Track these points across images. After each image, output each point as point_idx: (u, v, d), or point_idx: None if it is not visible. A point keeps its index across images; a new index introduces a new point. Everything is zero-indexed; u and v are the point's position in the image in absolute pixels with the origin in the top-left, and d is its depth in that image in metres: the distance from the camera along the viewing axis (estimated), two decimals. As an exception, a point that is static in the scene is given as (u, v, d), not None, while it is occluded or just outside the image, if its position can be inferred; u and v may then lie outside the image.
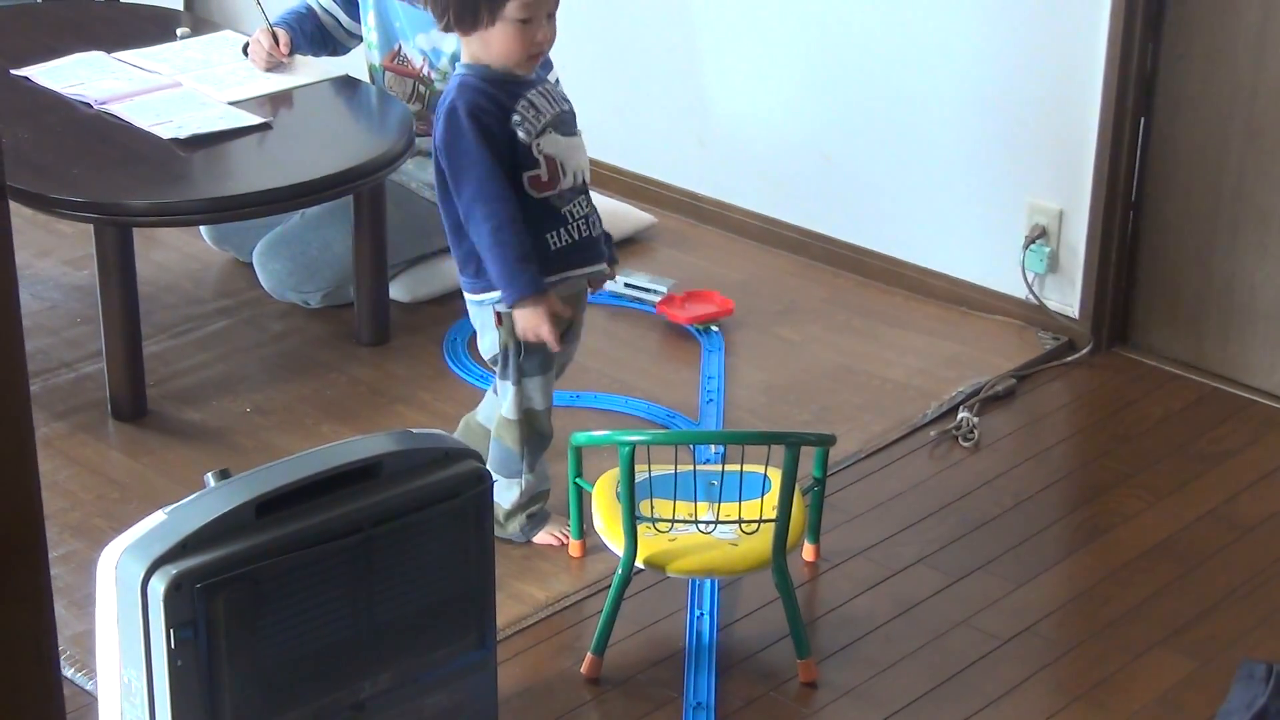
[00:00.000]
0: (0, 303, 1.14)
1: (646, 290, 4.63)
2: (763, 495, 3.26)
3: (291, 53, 4.55)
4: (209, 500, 2.64)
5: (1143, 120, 4.31)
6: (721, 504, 3.25)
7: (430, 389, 4.22)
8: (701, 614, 3.40)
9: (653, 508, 3.20)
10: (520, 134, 3.30)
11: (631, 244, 4.97)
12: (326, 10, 4.63)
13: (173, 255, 4.84)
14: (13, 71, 4.51)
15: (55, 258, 4.81)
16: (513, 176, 3.31)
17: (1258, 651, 3.31)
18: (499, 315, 3.39)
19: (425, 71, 4.55)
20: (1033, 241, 4.46)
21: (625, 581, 3.18)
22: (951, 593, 3.50)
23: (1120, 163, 4.31)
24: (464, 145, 3.28)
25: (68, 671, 3.22)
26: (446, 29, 3.34)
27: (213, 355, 4.36)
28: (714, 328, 4.50)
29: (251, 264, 4.60)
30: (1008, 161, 4.48)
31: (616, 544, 3.21)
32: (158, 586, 2.54)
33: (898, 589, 3.51)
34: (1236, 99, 4.15)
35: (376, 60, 4.60)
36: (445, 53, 4.48)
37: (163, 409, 4.10)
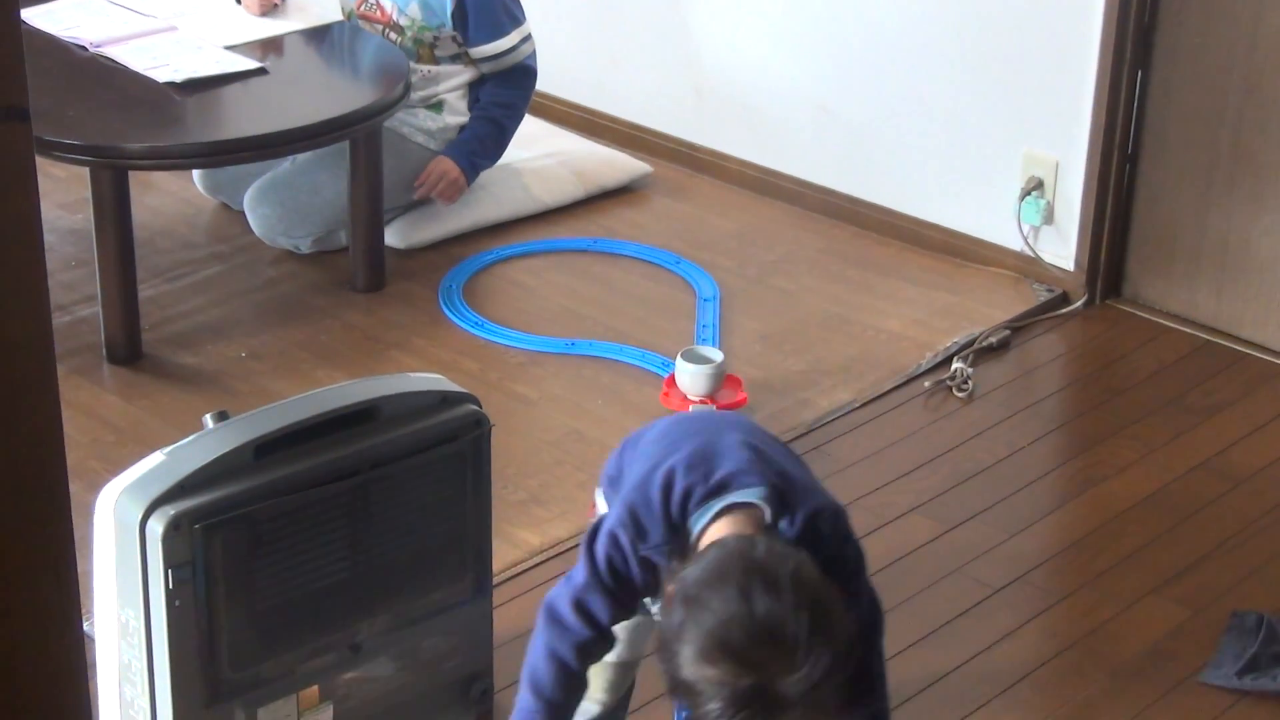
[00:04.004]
0: (24, 235, 1.15)
1: None
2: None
3: (285, -2, 4.55)
4: (207, 441, 2.64)
5: (1140, 72, 4.31)
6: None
7: (426, 335, 4.22)
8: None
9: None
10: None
11: (626, 193, 4.97)
12: None
13: (168, 200, 4.83)
14: (8, 14, 4.49)
15: (50, 201, 4.79)
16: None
17: (1249, 601, 3.33)
18: None
19: (394, 18, 4.54)
20: (1028, 193, 4.46)
21: None
22: (945, 541, 3.51)
23: (1117, 115, 4.31)
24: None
25: (64, 613, 3.22)
26: None
27: (208, 300, 4.36)
28: (709, 282, 4.50)
29: (244, 212, 4.59)
30: (1004, 113, 4.48)
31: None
32: (156, 527, 2.55)
33: (891, 538, 3.52)
34: (1235, 52, 4.15)
35: (350, 5, 4.61)
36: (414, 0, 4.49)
37: (158, 353, 4.10)
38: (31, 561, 1.15)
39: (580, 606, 2.45)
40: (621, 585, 2.45)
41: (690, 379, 3.87)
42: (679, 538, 2.41)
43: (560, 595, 2.49)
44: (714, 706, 2.16)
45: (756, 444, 2.50)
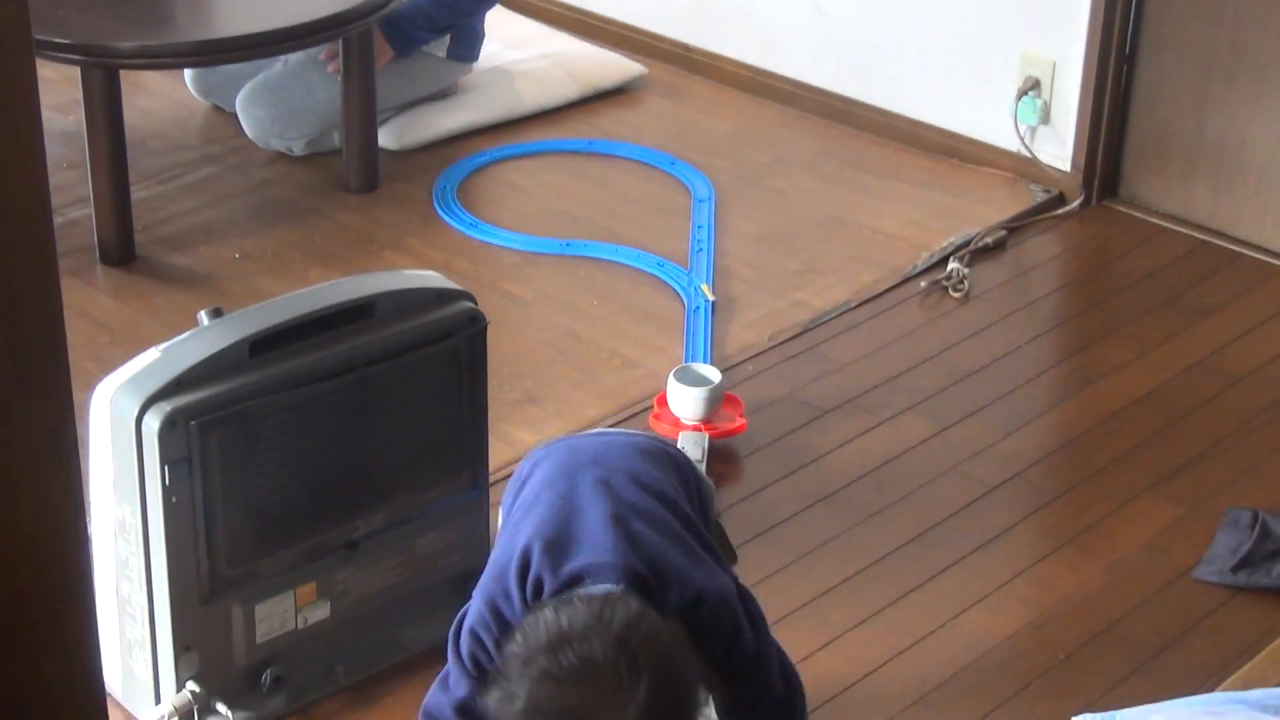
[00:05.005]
0: (26, 139, 1.14)
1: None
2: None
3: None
4: (203, 338, 2.64)
5: (1138, -30, 4.28)
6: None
7: (419, 235, 4.20)
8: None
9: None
10: None
11: (621, 95, 4.94)
12: None
13: (160, 103, 4.80)
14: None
15: (41, 103, 4.75)
16: None
17: (1244, 499, 3.33)
18: None
19: None
20: (1025, 93, 4.44)
21: None
22: (941, 440, 3.52)
23: (1115, 13, 4.28)
24: None
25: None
26: None
27: (200, 201, 4.34)
28: (704, 182, 4.48)
29: (237, 114, 4.57)
30: (1001, 12, 4.45)
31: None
32: (152, 423, 2.54)
33: (887, 436, 3.52)
34: (1233, -51, 4.12)
35: None
36: None
37: (151, 254, 4.08)
38: (34, 439, 1.15)
39: (463, 710, 2.32)
40: None
41: (683, 401, 3.44)
42: None
43: (439, 704, 2.37)
44: None
45: (629, 517, 2.28)
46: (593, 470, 2.37)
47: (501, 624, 2.25)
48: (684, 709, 2.10)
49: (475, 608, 2.30)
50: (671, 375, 3.46)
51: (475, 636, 2.27)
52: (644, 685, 2.04)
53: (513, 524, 2.38)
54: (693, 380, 3.46)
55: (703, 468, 3.21)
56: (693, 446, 3.36)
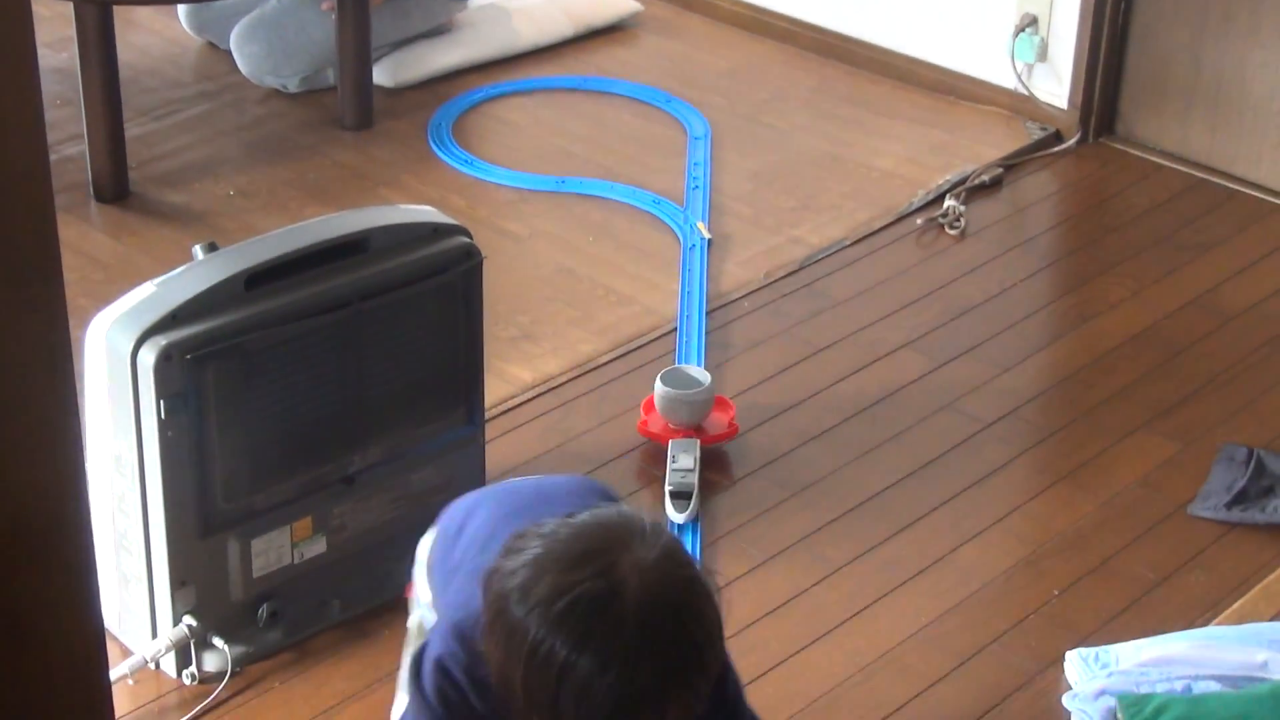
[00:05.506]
0: (19, 57, 1.13)
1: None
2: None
3: None
4: (198, 272, 2.63)
5: (1137, -94, 4.26)
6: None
7: (414, 172, 4.19)
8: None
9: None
10: None
11: (616, 32, 4.92)
12: None
13: (152, 40, 4.78)
14: None
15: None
16: None
17: (1239, 435, 3.34)
18: None
19: None
20: (1022, 30, 4.42)
21: None
22: (936, 377, 3.52)
23: (1113, -51, 4.26)
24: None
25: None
26: None
27: (195, 139, 4.32)
28: (700, 120, 4.47)
29: (231, 51, 4.54)
30: (999, -52, 4.43)
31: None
32: (147, 357, 2.54)
33: (883, 373, 3.52)
34: (1232, -116, 4.10)
35: None
36: None
37: (145, 191, 4.07)
38: (30, 353, 1.14)
39: None
40: (462, 717, 2.04)
41: (672, 406, 3.23)
42: None
43: None
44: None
45: None
46: (550, 509, 2.05)
47: (471, 654, 2.01)
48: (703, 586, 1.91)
49: (441, 637, 2.07)
50: (659, 379, 3.26)
51: (442, 669, 2.04)
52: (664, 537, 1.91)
53: (459, 578, 2.17)
54: (682, 383, 3.26)
55: (695, 477, 3.11)
56: (684, 455, 3.16)
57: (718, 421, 3.29)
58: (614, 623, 1.82)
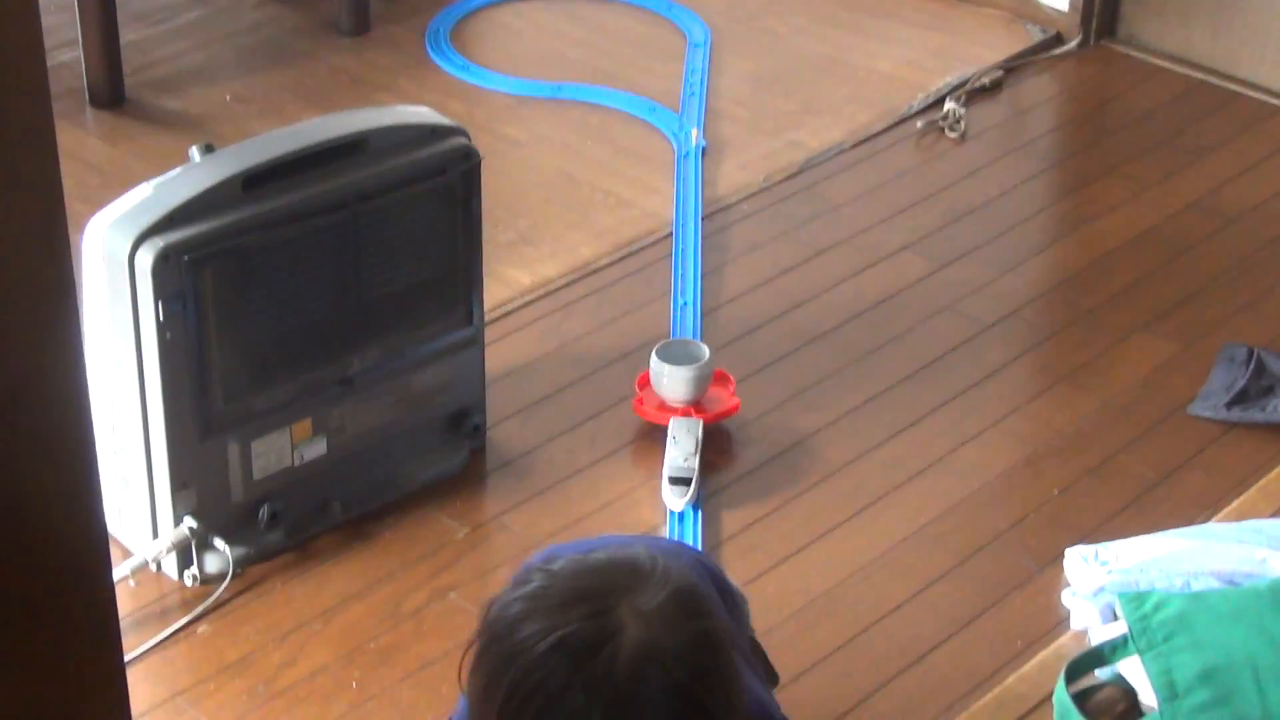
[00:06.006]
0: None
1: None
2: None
3: None
4: (195, 174, 2.62)
5: None
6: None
7: (413, 78, 4.16)
8: (685, 303, 3.40)
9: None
10: None
11: (614, -65, 4.87)
12: None
13: (146, -56, 4.74)
14: None
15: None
16: None
17: (1239, 335, 3.33)
18: None
19: None
20: (1023, -69, 4.39)
21: None
22: (936, 279, 3.51)
23: None
24: None
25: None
26: None
27: (190, 44, 4.29)
28: (699, 25, 4.44)
29: (226, -44, 4.52)
30: None
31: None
32: (145, 258, 2.53)
33: (883, 275, 3.51)
34: None
35: None
36: None
37: (141, 97, 4.05)
38: (26, 232, 1.13)
39: None
40: None
41: (669, 382, 3.03)
42: None
43: None
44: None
45: None
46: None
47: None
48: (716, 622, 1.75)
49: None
50: (654, 353, 3.05)
51: None
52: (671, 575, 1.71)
53: None
54: (679, 357, 3.05)
55: (697, 459, 2.94)
56: (686, 435, 2.98)
57: (717, 398, 3.09)
58: (601, 670, 1.63)
